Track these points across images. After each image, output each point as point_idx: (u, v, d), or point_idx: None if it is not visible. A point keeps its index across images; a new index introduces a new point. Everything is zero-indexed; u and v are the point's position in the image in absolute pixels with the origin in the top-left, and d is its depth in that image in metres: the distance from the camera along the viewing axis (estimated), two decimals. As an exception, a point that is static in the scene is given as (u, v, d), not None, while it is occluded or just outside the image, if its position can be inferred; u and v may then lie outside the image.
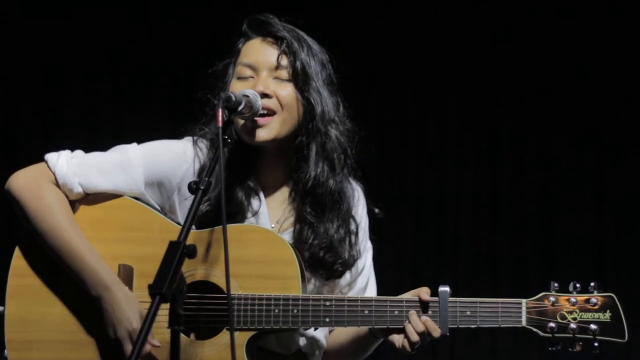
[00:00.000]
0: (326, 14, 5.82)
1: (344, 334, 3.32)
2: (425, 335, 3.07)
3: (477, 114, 6.02)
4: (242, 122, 3.15)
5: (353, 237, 3.28)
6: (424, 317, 3.07)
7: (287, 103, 3.18)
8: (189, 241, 2.68)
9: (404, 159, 6.03)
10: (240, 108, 3.02)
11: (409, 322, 3.07)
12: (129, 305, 3.08)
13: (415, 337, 3.07)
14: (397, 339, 3.14)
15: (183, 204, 3.24)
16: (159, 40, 5.95)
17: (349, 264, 3.25)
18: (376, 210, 3.39)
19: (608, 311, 3.03)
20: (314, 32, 3.31)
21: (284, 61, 3.20)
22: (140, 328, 2.52)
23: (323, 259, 3.21)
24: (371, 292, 3.39)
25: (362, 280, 3.37)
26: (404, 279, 5.46)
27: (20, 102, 5.94)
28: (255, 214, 3.23)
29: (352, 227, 3.29)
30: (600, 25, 5.92)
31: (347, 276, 3.32)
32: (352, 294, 3.33)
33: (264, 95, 3.15)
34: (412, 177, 6.03)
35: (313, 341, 3.29)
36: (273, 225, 3.26)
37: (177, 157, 3.25)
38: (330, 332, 3.36)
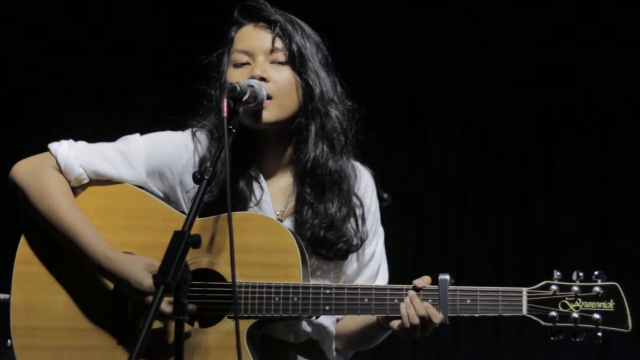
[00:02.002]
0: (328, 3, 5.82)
1: (353, 322, 3.30)
2: (426, 319, 3.05)
3: (482, 104, 6.02)
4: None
5: (359, 218, 3.26)
6: (426, 303, 3.05)
7: (285, 86, 3.18)
8: (193, 230, 2.68)
9: (407, 149, 6.04)
10: (245, 98, 3.02)
11: (412, 304, 3.06)
12: (133, 267, 3.09)
13: (416, 320, 3.05)
14: (397, 324, 3.11)
15: (186, 196, 3.25)
16: (161, 36, 5.96)
17: (354, 244, 3.23)
18: (385, 196, 3.38)
19: (611, 300, 3.00)
20: (316, 20, 3.30)
21: (279, 44, 3.19)
22: (144, 319, 2.53)
23: (324, 238, 3.19)
24: (382, 279, 3.37)
25: (373, 267, 3.35)
26: (408, 269, 5.47)
27: (23, 98, 5.96)
28: (259, 202, 3.23)
29: (357, 207, 3.27)
30: (600, 25, 5.92)
31: (355, 264, 3.31)
32: (362, 281, 3.32)
33: (262, 80, 3.14)
34: (415, 166, 6.04)
35: (321, 328, 3.29)
36: (278, 213, 3.26)
37: (178, 148, 3.26)
38: (338, 320, 3.35)
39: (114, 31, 5.99)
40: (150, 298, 3.01)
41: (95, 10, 5.99)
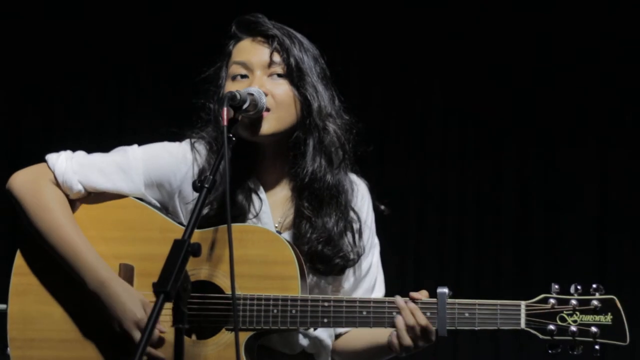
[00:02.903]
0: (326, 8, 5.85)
1: (359, 339, 3.29)
2: (416, 330, 3.04)
3: (480, 113, 6.03)
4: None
5: (356, 232, 3.26)
6: (426, 321, 3.04)
7: (283, 100, 3.17)
8: (193, 240, 2.67)
9: (405, 159, 6.04)
10: (245, 106, 3.02)
11: (401, 315, 3.04)
12: (130, 297, 3.09)
13: (408, 334, 3.03)
14: (394, 337, 3.09)
15: (184, 207, 3.24)
16: (160, 43, 5.97)
17: (350, 259, 3.23)
18: (382, 207, 3.38)
19: (609, 314, 3.00)
20: (314, 29, 3.32)
21: (277, 58, 3.19)
22: (144, 326, 2.53)
23: (322, 253, 3.19)
24: (379, 290, 3.37)
25: (370, 279, 3.36)
26: (406, 281, 5.47)
27: (22, 104, 5.95)
28: (258, 213, 3.22)
29: (354, 221, 3.27)
30: (601, 24, 5.95)
31: (352, 278, 3.31)
32: (359, 294, 3.31)
33: None
34: (413, 177, 6.04)
35: (317, 341, 3.28)
36: (276, 225, 3.26)
37: (176, 159, 3.25)
38: (337, 334, 3.34)
39: (113, 36, 6.00)
40: (139, 333, 3.03)
41: (94, 16, 6.00)
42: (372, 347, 3.25)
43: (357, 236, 3.27)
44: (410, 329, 3.05)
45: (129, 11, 6.00)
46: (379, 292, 3.37)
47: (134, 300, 3.08)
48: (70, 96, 6.01)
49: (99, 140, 3.30)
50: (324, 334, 3.28)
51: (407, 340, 3.05)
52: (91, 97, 6.02)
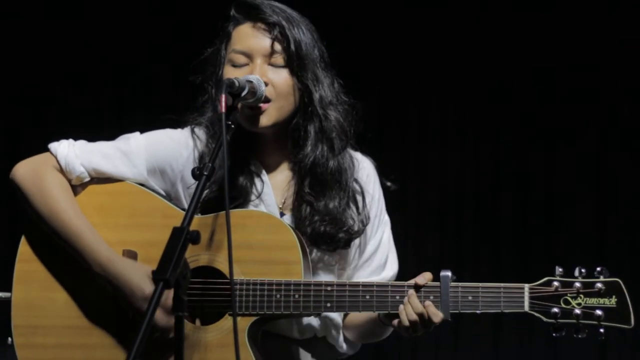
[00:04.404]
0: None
1: (358, 315, 3.28)
2: (425, 318, 3.04)
3: (480, 105, 6.01)
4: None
5: (359, 202, 3.25)
6: (427, 302, 3.04)
7: (284, 90, 3.16)
8: (193, 227, 2.66)
9: (405, 150, 6.03)
10: (243, 94, 3.00)
11: (409, 302, 3.05)
12: (134, 273, 3.09)
13: (413, 317, 3.03)
14: (397, 322, 3.11)
15: (187, 192, 3.24)
16: (160, 43, 5.96)
17: (355, 230, 3.22)
18: (388, 184, 3.38)
19: (614, 296, 2.98)
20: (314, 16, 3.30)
21: (278, 47, 3.17)
22: (144, 314, 2.52)
23: (324, 232, 3.18)
24: (391, 268, 3.36)
25: (381, 256, 3.34)
26: (408, 265, 5.47)
27: (22, 104, 5.96)
28: (260, 196, 3.22)
29: (357, 192, 3.25)
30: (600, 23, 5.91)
31: (361, 254, 3.29)
32: (370, 270, 3.31)
33: None
34: (413, 166, 6.03)
35: (327, 320, 3.28)
36: (280, 206, 3.25)
37: (178, 145, 3.25)
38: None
39: (111, 31, 5.99)
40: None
41: (94, 16, 6.00)
42: (370, 322, 3.24)
43: (360, 205, 3.26)
44: (419, 314, 3.05)
45: (129, 11, 5.98)
46: (390, 271, 3.36)
47: (140, 275, 3.08)
48: (70, 96, 6.01)
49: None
50: (333, 312, 3.26)
51: (414, 317, 3.04)
52: (91, 97, 6.01)
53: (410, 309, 3.04)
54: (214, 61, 3.24)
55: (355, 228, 3.23)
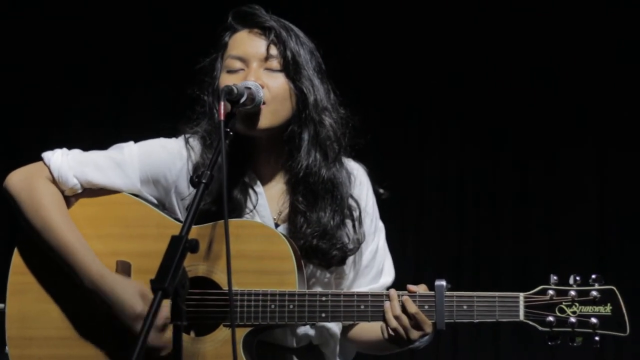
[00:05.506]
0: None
1: (366, 333, 3.27)
2: (402, 319, 3.02)
3: (481, 106, 6.02)
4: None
5: (355, 220, 3.24)
6: (415, 309, 3.03)
7: (279, 94, 3.16)
8: (190, 236, 2.65)
9: (404, 152, 6.04)
10: (242, 100, 3.00)
11: (390, 306, 3.03)
12: (125, 291, 3.07)
13: (393, 323, 3.02)
14: (384, 329, 3.09)
15: (181, 203, 3.23)
16: (160, 43, 5.96)
17: (350, 249, 3.21)
18: (381, 191, 3.37)
19: (609, 304, 2.99)
20: (311, 20, 3.30)
21: (274, 51, 3.17)
22: (142, 324, 2.51)
23: (317, 247, 3.17)
24: (388, 274, 3.36)
25: (378, 264, 3.34)
26: (405, 273, 5.47)
27: (21, 104, 5.95)
28: (255, 207, 3.22)
29: (353, 209, 3.25)
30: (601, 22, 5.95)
31: (354, 266, 3.28)
32: (368, 279, 3.31)
33: None
34: (413, 169, 6.03)
35: (324, 330, 3.27)
36: (275, 217, 3.25)
37: (172, 155, 3.24)
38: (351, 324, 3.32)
39: (113, 36, 5.99)
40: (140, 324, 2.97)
41: (94, 16, 5.99)
42: (380, 341, 3.20)
43: (357, 224, 3.25)
44: (397, 317, 3.04)
45: (129, 11, 5.98)
46: (388, 277, 3.36)
47: (131, 293, 3.06)
48: (69, 96, 5.99)
49: (98, 140, 3.30)
50: (331, 322, 3.25)
51: (394, 323, 3.03)
52: (90, 97, 6.00)
53: (389, 314, 3.03)
54: (211, 71, 3.24)
55: (350, 246, 3.22)
